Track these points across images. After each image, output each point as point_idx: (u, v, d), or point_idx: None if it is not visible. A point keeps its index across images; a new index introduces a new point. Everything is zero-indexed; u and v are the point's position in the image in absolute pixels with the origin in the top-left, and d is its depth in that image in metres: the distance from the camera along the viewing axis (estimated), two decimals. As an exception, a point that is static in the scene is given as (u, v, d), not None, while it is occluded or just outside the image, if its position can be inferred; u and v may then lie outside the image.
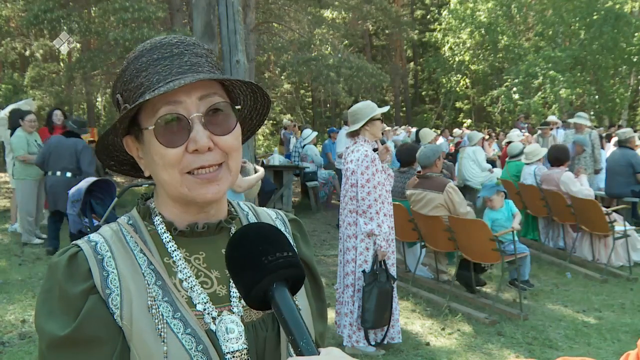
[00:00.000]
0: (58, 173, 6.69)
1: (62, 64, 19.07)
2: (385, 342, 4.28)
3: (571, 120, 9.80)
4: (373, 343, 4.25)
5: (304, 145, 10.94)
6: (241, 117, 1.02)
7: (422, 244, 5.76)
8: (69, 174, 6.69)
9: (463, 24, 23.03)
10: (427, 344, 4.49)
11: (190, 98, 0.88)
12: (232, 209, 1.05)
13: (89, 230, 5.75)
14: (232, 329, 0.91)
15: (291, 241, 1.07)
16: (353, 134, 4.26)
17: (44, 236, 7.66)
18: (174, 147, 0.87)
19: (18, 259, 6.76)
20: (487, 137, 14.27)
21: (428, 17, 29.64)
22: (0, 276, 6.02)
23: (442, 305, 5.27)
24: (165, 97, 0.87)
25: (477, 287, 5.63)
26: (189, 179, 0.89)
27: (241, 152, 0.96)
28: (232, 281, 0.94)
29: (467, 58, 24.43)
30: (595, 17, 19.80)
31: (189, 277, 0.92)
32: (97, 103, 22.56)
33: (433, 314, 5.16)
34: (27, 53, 17.23)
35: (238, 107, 0.95)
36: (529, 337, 4.58)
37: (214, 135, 0.89)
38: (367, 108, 4.22)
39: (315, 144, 11.42)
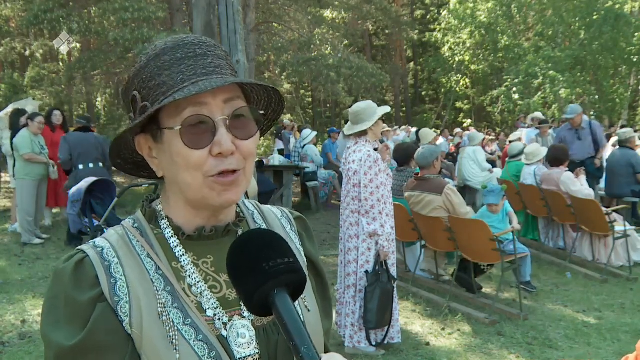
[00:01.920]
0: (91, 165, 6.98)
1: (62, 64, 19.08)
2: (385, 342, 4.28)
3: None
4: (374, 343, 4.26)
5: (304, 145, 10.94)
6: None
7: (422, 244, 5.76)
8: (100, 164, 7.03)
9: (463, 24, 23.03)
10: (427, 344, 4.49)
11: (215, 100, 0.87)
12: (239, 210, 1.04)
13: (89, 230, 5.76)
14: (244, 334, 0.90)
15: (297, 241, 1.07)
16: (360, 134, 4.25)
17: (44, 236, 7.68)
18: (199, 149, 0.86)
19: (18, 259, 6.76)
20: (487, 137, 14.25)
21: (428, 17, 29.64)
22: (0, 276, 6.02)
23: (442, 305, 5.27)
24: (191, 97, 0.86)
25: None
26: (211, 182, 0.88)
27: (255, 158, 0.95)
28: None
29: (467, 58, 24.42)
30: (595, 17, 19.79)
31: (198, 282, 0.91)
32: (97, 103, 22.56)
33: (433, 314, 5.17)
34: (27, 53, 17.23)
35: (261, 111, 0.94)
36: (529, 337, 4.58)
37: (237, 139, 0.88)
38: (372, 108, 4.22)
39: (315, 144, 11.42)
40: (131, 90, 0.92)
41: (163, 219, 0.95)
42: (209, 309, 0.90)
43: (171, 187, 0.95)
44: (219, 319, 0.90)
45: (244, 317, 0.92)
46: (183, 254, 0.93)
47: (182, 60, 0.89)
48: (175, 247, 0.93)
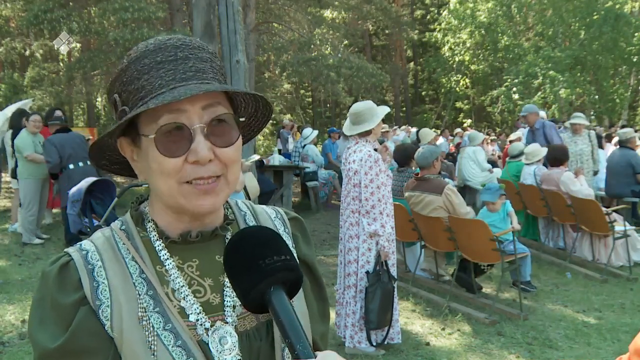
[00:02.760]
0: (81, 164, 6.97)
1: (62, 64, 19.07)
2: (385, 342, 4.28)
3: (567, 122, 9.46)
4: (374, 344, 4.25)
5: (305, 145, 10.93)
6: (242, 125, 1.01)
7: (422, 244, 5.76)
8: (88, 162, 6.97)
9: (463, 24, 23.03)
10: (427, 344, 4.49)
11: (193, 107, 0.85)
12: (229, 212, 1.03)
13: (89, 230, 5.77)
14: (226, 340, 0.90)
15: (290, 243, 1.05)
16: (361, 135, 4.25)
17: (45, 236, 7.68)
18: (174, 157, 0.85)
19: (18, 259, 6.76)
20: (489, 138, 14.26)
21: (428, 17, 29.65)
22: (0, 276, 6.02)
23: (442, 305, 5.27)
24: (167, 104, 0.84)
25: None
26: (186, 189, 0.86)
27: (240, 165, 0.94)
28: (228, 286, 0.93)
29: (467, 58, 24.44)
30: (595, 17, 19.81)
31: (181, 287, 0.90)
32: (97, 103, 22.55)
33: (433, 314, 5.17)
34: (27, 53, 17.21)
35: (242, 118, 0.92)
36: (529, 337, 4.58)
37: (216, 146, 0.86)
38: (373, 108, 4.22)
39: (315, 144, 11.41)
40: (113, 93, 0.92)
41: (149, 221, 0.95)
42: (191, 314, 0.89)
43: (153, 191, 0.94)
44: (201, 324, 0.89)
45: (227, 323, 0.91)
46: (168, 258, 0.92)
47: (162, 64, 0.87)
48: (160, 250, 0.92)
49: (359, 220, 4.19)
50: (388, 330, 4.25)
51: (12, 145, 7.61)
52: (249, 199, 5.51)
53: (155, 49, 0.88)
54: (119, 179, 12.61)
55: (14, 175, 7.76)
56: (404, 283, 5.81)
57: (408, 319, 5.05)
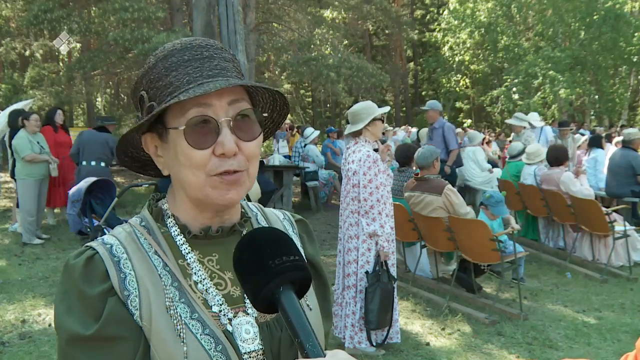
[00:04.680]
0: (93, 163, 7.33)
1: (62, 64, 19.07)
2: (385, 342, 4.28)
3: (508, 121, 9.59)
4: (374, 344, 4.25)
5: (305, 145, 10.92)
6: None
7: (422, 244, 5.77)
8: (103, 164, 7.38)
9: (463, 24, 23.04)
10: (427, 344, 4.49)
11: (220, 102, 0.89)
12: (244, 211, 1.06)
13: (89, 230, 5.77)
14: (248, 330, 0.93)
15: (298, 243, 1.09)
16: (355, 134, 4.26)
17: (45, 236, 7.67)
18: (202, 149, 0.88)
19: (18, 259, 6.75)
20: (486, 139, 14.24)
21: (428, 17, 29.65)
22: (0, 276, 6.02)
23: (442, 305, 5.27)
24: (196, 98, 0.88)
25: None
26: (214, 180, 0.90)
27: (259, 160, 0.97)
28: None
29: (467, 58, 24.44)
30: (595, 17, 19.82)
31: (203, 279, 0.94)
32: (97, 103, 22.55)
33: (433, 314, 5.17)
34: (27, 53, 17.22)
35: (265, 114, 0.97)
36: (529, 337, 4.58)
37: (240, 140, 0.90)
38: (369, 108, 4.22)
39: (316, 144, 11.41)
40: (139, 90, 0.95)
41: (169, 217, 0.98)
42: (214, 305, 0.93)
43: (177, 186, 0.97)
44: (224, 315, 0.92)
45: (248, 314, 0.95)
46: (189, 252, 0.95)
47: (189, 62, 0.91)
48: (182, 245, 0.95)
49: (358, 220, 4.19)
50: (388, 331, 4.25)
51: (10, 146, 7.61)
52: (249, 201, 5.50)
53: (182, 48, 0.93)
54: (119, 179, 12.61)
55: (12, 175, 7.76)
56: (404, 283, 5.82)
57: (408, 319, 5.05)
